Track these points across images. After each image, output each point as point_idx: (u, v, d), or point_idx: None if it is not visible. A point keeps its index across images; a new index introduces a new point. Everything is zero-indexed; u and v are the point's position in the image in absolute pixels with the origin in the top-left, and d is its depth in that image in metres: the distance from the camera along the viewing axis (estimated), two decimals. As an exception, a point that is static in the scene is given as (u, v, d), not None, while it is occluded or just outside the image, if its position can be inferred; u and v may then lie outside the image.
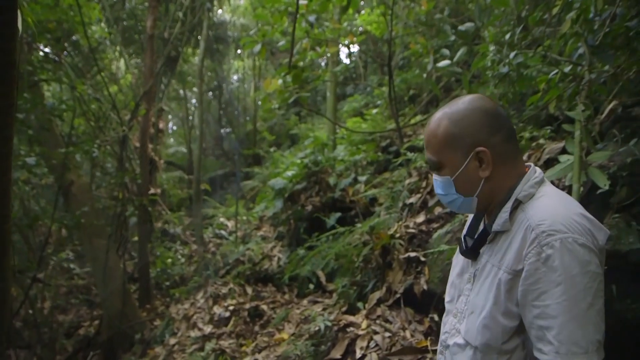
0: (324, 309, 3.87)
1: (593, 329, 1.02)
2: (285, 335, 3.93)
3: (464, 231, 1.35)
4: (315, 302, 4.49)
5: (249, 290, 5.26)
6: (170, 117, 18.72)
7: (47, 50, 6.59)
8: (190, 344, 4.38)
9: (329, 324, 3.09)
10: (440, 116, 1.20)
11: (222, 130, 18.04)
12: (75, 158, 6.52)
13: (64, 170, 5.73)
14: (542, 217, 1.07)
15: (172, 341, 4.61)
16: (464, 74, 2.96)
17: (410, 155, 3.75)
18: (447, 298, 1.36)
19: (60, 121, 6.63)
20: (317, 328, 3.09)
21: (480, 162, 1.15)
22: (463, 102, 1.19)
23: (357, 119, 8.14)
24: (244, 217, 9.05)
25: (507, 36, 2.60)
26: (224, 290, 5.24)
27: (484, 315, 1.14)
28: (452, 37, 4.12)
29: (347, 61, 11.92)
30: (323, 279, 4.77)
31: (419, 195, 3.60)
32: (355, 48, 10.90)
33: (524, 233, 1.09)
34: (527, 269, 1.05)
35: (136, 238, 7.45)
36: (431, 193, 3.32)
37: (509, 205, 1.14)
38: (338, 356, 2.83)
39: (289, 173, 6.48)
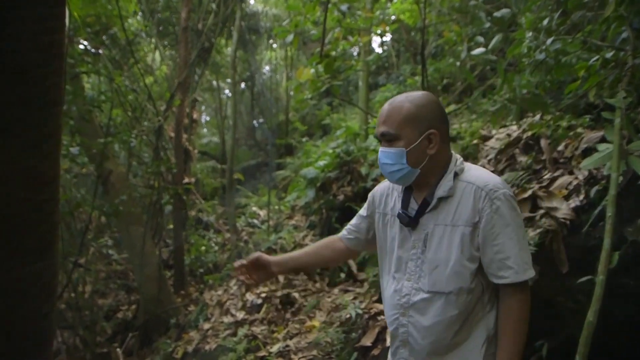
0: (354, 298, 3.90)
1: (528, 252, 1.42)
2: (316, 323, 3.98)
3: (392, 206, 1.60)
4: (347, 291, 4.52)
5: (281, 278, 5.32)
6: (203, 107, 19.02)
7: (86, 43, 6.80)
8: (223, 329, 4.48)
9: (360, 311, 3.11)
10: (403, 99, 1.48)
11: (254, 121, 18.22)
12: (114, 148, 6.73)
13: (103, 160, 5.91)
14: (485, 180, 1.42)
15: (206, 326, 4.72)
16: (499, 61, 2.90)
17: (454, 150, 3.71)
18: (392, 269, 1.56)
19: (99, 112, 6.85)
20: (348, 316, 3.12)
21: (429, 142, 1.44)
22: (422, 93, 1.52)
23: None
24: (276, 207, 9.14)
25: (545, 22, 2.53)
26: (256, 278, 5.31)
27: (453, 264, 1.41)
28: (487, 24, 4.02)
29: (379, 50, 11.81)
30: (354, 268, 4.79)
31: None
32: (387, 37, 10.79)
33: (473, 194, 1.41)
34: (485, 219, 1.39)
35: (171, 226, 7.65)
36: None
37: (450, 176, 1.45)
38: (368, 344, 2.85)
39: (321, 163, 6.50)
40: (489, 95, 5.01)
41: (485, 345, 1.45)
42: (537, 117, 3.22)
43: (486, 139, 3.58)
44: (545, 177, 2.54)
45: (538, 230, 2.20)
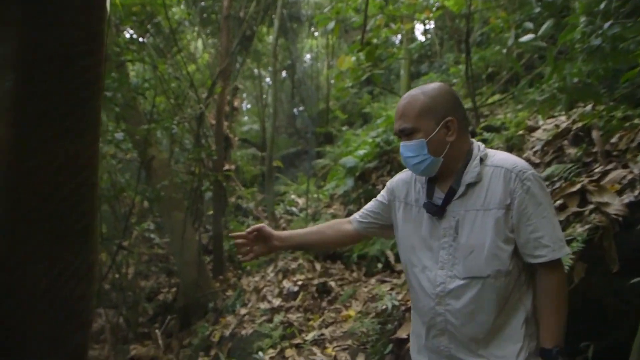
0: (391, 289, 3.85)
1: (560, 230, 1.44)
2: (352, 313, 3.97)
3: (415, 196, 1.61)
4: (383, 282, 4.48)
5: (318, 266, 5.34)
6: (245, 95, 19.20)
7: (132, 32, 6.96)
8: (259, 315, 4.54)
9: (397, 303, 3.07)
10: (416, 93, 1.51)
11: (295, 109, 18.25)
12: (156, 134, 6.89)
13: (146, 146, 6.05)
14: (512, 163, 1.44)
15: (243, 311, 4.80)
16: (549, 49, 2.76)
17: (486, 135, 3.58)
18: (424, 262, 1.55)
19: (143, 99, 7.02)
20: (384, 307, 3.08)
21: (448, 129, 1.47)
22: (435, 85, 1.54)
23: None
24: (315, 195, 9.15)
25: (602, 5, 2.37)
26: (294, 265, 5.35)
27: (489, 248, 1.42)
28: (537, 9, 3.83)
29: (422, 38, 11.54)
30: (392, 258, 4.74)
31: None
32: (431, 24, 10.52)
33: (503, 176, 1.42)
34: (517, 200, 1.40)
35: (211, 212, 7.78)
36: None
37: (476, 162, 1.47)
38: (404, 336, 2.80)
39: (361, 152, 6.44)
40: (536, 84, 4.81)
41: (525, 326, 1.45)
42: (589, 107, 3.06)
43: (532, 129, 3.43)
44: (596, 170, 2.41)
45: (587, 226, 2.09)
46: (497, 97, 6.40)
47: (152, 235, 8.21)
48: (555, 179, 2.68)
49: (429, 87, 1.52)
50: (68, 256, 1.19)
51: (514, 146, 3.37)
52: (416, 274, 1.57)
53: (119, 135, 4.57)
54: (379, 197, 1.77)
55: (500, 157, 1.48)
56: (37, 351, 1.16)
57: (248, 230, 1.73)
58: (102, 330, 6.90)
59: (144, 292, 7.71)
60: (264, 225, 1.75)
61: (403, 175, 1.72)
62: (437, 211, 1.51)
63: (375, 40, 5.30)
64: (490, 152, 1.52)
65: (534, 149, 3.15)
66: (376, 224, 1.76)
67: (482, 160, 1.48)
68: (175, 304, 7.07)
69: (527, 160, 3.15)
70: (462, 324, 1.47)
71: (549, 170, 2.75)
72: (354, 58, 5.39)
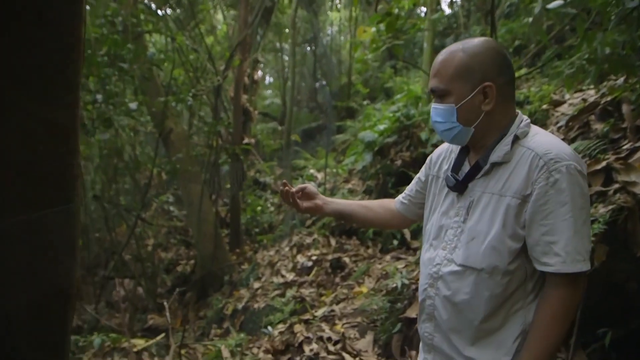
0: (405, 266, 3.77)
1: (587, 241, 1.21)
2: (364, 289, 3.91)
3: (446, 168, 1.45)
4: (398, 259, 4.41)
5: (333, 242, 5.29)
6: (267, 69, 19.03)
7: (150, 3, 6.87)
8: (272, 289, 4.53)
9: (407, 282, 2.99)
10: (455, 49, 1.30)
11: (317, 83, 18.02)
12: (175, 107, 6.86)
13: (164, 119, 6.03)
14: (547, 148, 1.21)
15: (256, 285, 4.80)
16: (580, 15, 2.56)
17: (520, 111, 3.41)
18: (432, 235, 1.43)
19: (161, 71, 6.97)
20: (394, 285, 3.01)
21: (484, 96, 1.26)
22: (479, 40, 1.30)
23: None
24: (334, 170, 9.06)
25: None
26: (309, 240, 5.31)
27: (491, 238, 1.25)
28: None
29: (448, 10, 11.15)
30: (408, 235, 4.65)
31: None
32: (457, -5, 10.11)
33: (530, 162, 1.22)
34: (537, 192, 1.19)
35: (229, 185, 7.79)
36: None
37: (509, 139, 1.27)
38: (413, 315, 2.73)
39: (381, 127, 6.29)
40: (565, 56, 4.56)
41: (519, 340, 1.27)
42: (621, 80, 2.86)
43: (558, 104, 3.25)
44: (625, 147, 2.25)
45: (610, 207, 1.95)
46: (524, 70, 6.13)
47: (172, 208, 8.29)
48: (580, 155, 2.53)
49: (472, 42, 1.30)
50: (48, 226, 1.14)
51: (537, 121, 3.19)
52: (424, 250, 1.47)
53: (133, 105, 4.54)
54: (419, 174, 1.61)
55: (539, 140, 1.25)
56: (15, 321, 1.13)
57: (295, 189, 1.61)
58: (125, 298, 7.06)
59: (163, 263, 7.83)
60: (308, 185, 1.65)
61: (442, 146, 1.56)
62: (455, 186, 1.36)
63: (396, 11, 5.08)
64: (534, 131, 1.30)
65: (558, 125, 2.98)
66: (412, 205, 1.63)
67: (517, 138, 1.27)
68: (193, 275, 7.16)
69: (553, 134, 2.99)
70: (448, 315, 1.34)
71: (572, 147, 2.59)
72: (374, 29, 5.20)
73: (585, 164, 1.27)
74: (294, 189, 1.62)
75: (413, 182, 1.63)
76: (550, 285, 1.24)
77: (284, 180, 1.64)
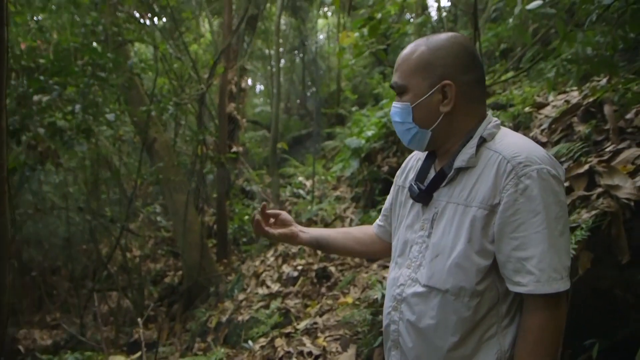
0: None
1: (565, 256, 1.05)
2: (350, 299, 3.81)
3: (412, 177, 1.31)
4: (385, 267, 4.31)
5: (319, 251, 5.19)
6: (259, 75, 18.98)
7: (132, 11, 6.77)
8: (257, 301, 4.42)
9: (391, 292, 2.89)
10: (419, 42, 1.19)
11: (308, 90, 17.98)
12: (160, 116, 6.76)
13: (147, 128, 5.93)
14: (515, 151, 1.08)
15: (241, 297, 4.69)
16: (559, 15, 2.50)
17: (491, 112, 3.34)
18: (397, 252, 1.29)
19: (147, 80, 6.88)
20: (375, 296, 2.91)
21: (444, 96, 1.14)
22: (445, 35, 1.18)
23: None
24: (323, 177, 8.98)
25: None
26: (294, 249, 5.21)
27: (456, 255, 1.11)
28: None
29: (435, 15, 11.14)
30: (395, 243, 4.57)
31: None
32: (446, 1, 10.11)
33: (497, 167, 1.08)
34: (505, 200, 1.05)
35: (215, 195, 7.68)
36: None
37: (474, 142, 1.14)
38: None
39: (369, 132, 6.22)
40: (549, 59, 4.52)
41: None
42: (603, 80, 2.80)
43: (541, 106, 3.18)
44: (607, 149, 2.18)
45: (594, 212, 1.87)
46: (510, 74, 6.09)
47: (159, 218, 8.15)
48: (563, 159, 2.46)
49: (438, 36, 1.18)
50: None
51: (520, 124, 3.13)
52: (391, 268, 1.33)
53: (111, 117, 4.43)
54: (391, 189, 1.47)
55: (508, 142, 1.12)
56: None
57: (269, 212, 1.47)
58: (111, 312, 6.91)
59: (150, 275, 7.70)
60: (284, 212, 1.50)
61: (415, 153, 1.43)
62: (419, 196, 1.22)
63: (379, 15, 5.02)
64: (503, 133, 1.17)
65: (542, 127, 2.91)
66: (387, 227, 1.47)
67: (484, 140, 1.14)
68: (180, 287, 7.02)
69: (534, 139, 2.92)
70: (413, 342, 1.19)
71: (555, 150, 2.52)
72: (357, 34, 5.13)
73: (563, 168, 1.15)
74: (267, 211, 1.46)
75: (387, 199, 1.49)
76: (527, 309, 1.09)
77: (255, 212, 1.49)
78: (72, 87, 4.74)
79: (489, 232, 1.08)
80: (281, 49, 15.30)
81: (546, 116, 3.02)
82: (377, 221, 1.54)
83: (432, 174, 1.26)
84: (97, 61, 4.80)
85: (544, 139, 2.82)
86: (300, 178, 9.80)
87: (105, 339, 6.08)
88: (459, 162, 1.15)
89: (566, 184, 2.16)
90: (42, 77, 4.18)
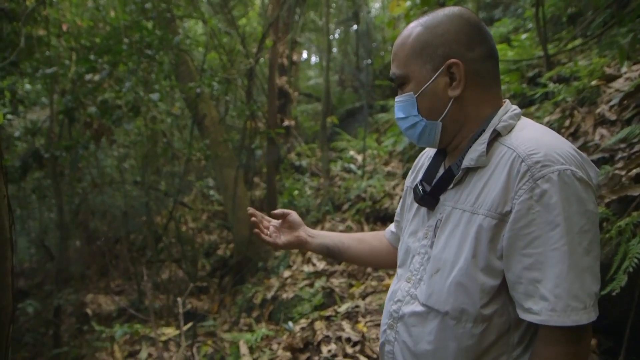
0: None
1: (591, 280, 0.85)
2: (394, 282, 3.70)
3: (419, 177, 1.15)
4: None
5: (366, 228, 5.10)
6: (313, 48, 18.78)
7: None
8: (302, 279, 4.40)
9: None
10: (414, 24, 1.03)
11: (363, 62, 17.60)
12: (211, 92, 6.81)
13: (196, 104, 5.97)
14: (532, 147, 0.89)
15: (286, 274, 4.69)
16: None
17: (552, 87, 3.03)
18: (399, 262, 1.14)
19: (198, 56, 6.91)
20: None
21: (451, 79, 0.98)
22: (443, 11, 1.02)
23: (503, 46, 7.09)
24: (374, 151, 8.79)
25: None
26: (341, 227, 5.14)
27: (458, 271, 0.93)
28: None
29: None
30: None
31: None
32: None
33: (510, 167, 0.90)
34: (517, 209, 0.87)
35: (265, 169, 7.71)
36: (574, 135, 2.65)
37: (485, 136, 0.97)
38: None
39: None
40: (627, 23, 4.06)
41: None
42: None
43: (611, 79, 2.85)
44: (688, 130, 1.90)
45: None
46: (578, 41, 5.57)
47: (211, 192, 8.32)
48: (635, 140, 2.19)
49: (435, 14, 1.02)
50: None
51: (585, 100, 2.83)
52: (394, 280, 1.18)
53: (155, 96, 4.46)
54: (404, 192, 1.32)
55: (525, 135, 0.94)
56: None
57: (275, 212, 1.37)
58: (169, 280, 7.20)
59: (203, 247, 7.91)
60: (293, 212, 1.39)
61: (425, 150, 1.27)
62: (423, 199, 1.07)
63: (432, -19, 4.71)
64: (522, 124, 0.99)
65: (610, 103, 2.61)
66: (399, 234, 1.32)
67: (499, 134, 0.97)
68: (231, 260, 7.18)
69: (601, 116, 2.63)
70: None
71: (626, 131, 2.25)
72: (408, 2, 4.86)
73: (597, 170, 0.94)
74: (273, 212, 1.34)
75: (400, 203, 1.33)
76: (541, 339, 0.90)
77: (250, 209, 1.35)
78: (123, 66, 4.82)
79: (497, 246, 0.91)
80: (335, 20, 14.98)
81: (617, 90, 2.70)
82: (391, 227, 1.40)
83: (440, 173, 1.10)
84: (146, 39, 4.84)
85: (613, 117, 2.53)
86: (352, 152, 9.65)
87: (162, 307, 6.35)
88: (468, 160, 0.98)
89: (637, 171, 1.91)
90: (93, 57, 4.26)
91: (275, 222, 1.39)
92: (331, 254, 1.38)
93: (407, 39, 1.02)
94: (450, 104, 0.99)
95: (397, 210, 1.34)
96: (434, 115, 1.01)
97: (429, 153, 1.22)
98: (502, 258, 0.91)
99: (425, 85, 0.99)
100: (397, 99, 1.06)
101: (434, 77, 0.98)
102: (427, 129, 1.02)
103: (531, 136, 0.93)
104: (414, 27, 1.02)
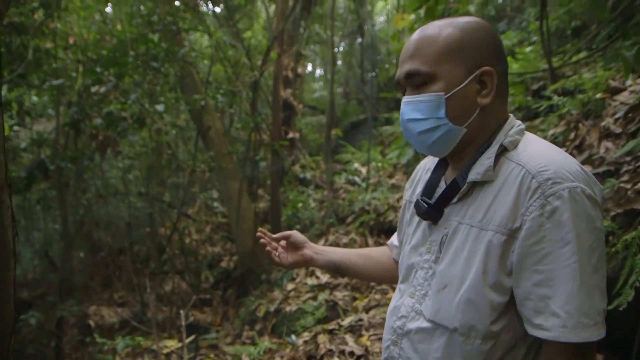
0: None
1: (599, 297, 0.86)
2: (398, 295, 3.67)
3: (417, 190, 1.15)
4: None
5: (370, 241, 5.07)
6: (318, 61, 18.91)
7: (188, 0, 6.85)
8: (305, 292, 4.37)
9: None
10: (443, 24, 0.99)
11: (368, 74, 17.70)
12: (216, 104, 6.85)
13: (201, 116, 6.01)
14: (542, 163, 0.90)
15: (290, 286, 4.66)
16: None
17: (556, 99, 3.03)
18: (401, 277, 1.13)
19: (203, 68, 6.97)
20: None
21: (482, 86, 0.97)
22: (471, 17, 1.00)
23: (508, 59, 7.08)
24: (379, 164, 8.79)
25: None
26: (345, 239, 5.12)
27: (467, 288, 0.93)
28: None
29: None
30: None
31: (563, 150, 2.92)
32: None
33: (520, 183, 0.90)
34: (528, 225, 0.87)
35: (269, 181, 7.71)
36: (579, 148, 2.64)
37: (493, 151, 0.97)
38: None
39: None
40: (631, 35, 4.06)
41: None
42: (693, 62, 2.45)
43: (616, 91, 2.85)
44: (694, 144, 1.88)
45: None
46: (583, 54, 5.59)
47: (215, 204, 8.33)
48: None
49: (463, 19, 1.00)
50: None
51: (590, 112, 2.82)
52: (394, 295, 1.16)
53: (160, 107, 4.49)
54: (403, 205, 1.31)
55: (532, 151, 0.94)
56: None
57: (276, 235, 1.35)
58: (172, 292, 7.18)
59: (206, 259, 7.90)
60: (294, 232, 1.37)
61: (423, 162, 1.26)
62: (427, 213, 1.04)
63: (436, -6, 4.73)
64: (527, 140, 0.99)
65: (615, 116, 2.60)
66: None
67: (505, 149, 0.97)
68: (235, 272, 7.16)
69: (606, 129, 2.62)
70: None
71: (632, 144, 2.24)
72: (412, 16, 4.88)
73: (601, 187, 0.94)
74: (274, 236, 1.32)
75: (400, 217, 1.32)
76: (547, 357, 0.90)
77: (260, 230, 1.35)
78: (128, 78, 4.86)
79: (507, 262, 0.90)
80: (340, 33, 15.09)
81: (622, 103, 2.70)
82: (393, 241, 1.38)
83: (442, 187, 1.08)
84: (152, 51, 4.89)
85: (618, 130, 2.52)
86: (356, 165, 9.64)
87: (164, 319, 6.32)
88: (474, 174, 0.97)
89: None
90: (99, 69, 4.30)
91: (282, 241, 1.37)
92: (339, 271, 1.37)
93: (436, 37, 0.97)
94: (477, 111, 0.98)
95: (399, 225, 1.33)
96: (460, 121, 0.98)
97: (426, 166, 1.21)
98: (511, 274, 0.91)
99: (458, 88, 0.96)
100: (413, 97, 1.00)
101: (467, 80, 0.96)
102: (449, 134, 0.98)
103: (539, 152, 0.94)
104: (445, 27, 0.98)
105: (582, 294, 0.84)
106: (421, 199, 1.08)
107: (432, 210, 1.04)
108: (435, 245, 1.03)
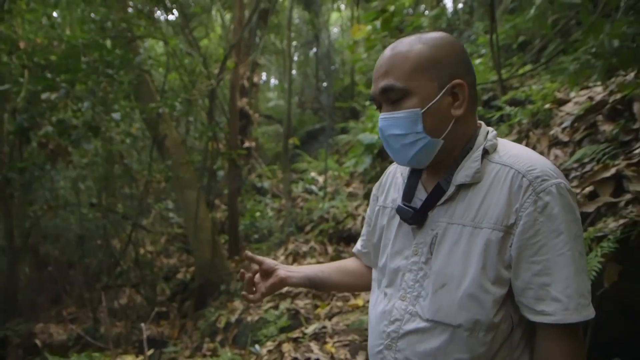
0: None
1: (587, 279, 0.96)
2: (360, 302, 3.71)
3: (397, 197, 1.16)
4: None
5: (330, 249, 5.10)
6: (273, 70, 18.91)
7: (142, 7, 6.71)
8: (266, 301, 4.34)
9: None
10: (412, 41, 1.03)
11: (322, 84, 17.86)
12: (172, 112, 6.71)
13: (157, 124, 5.88)
14: (529, 164, 0.97)
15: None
16: (584, 4, 2.34)
17: (509, 109, 3.19)
18: (385, 282, 1.13)
19: (158, 76, 6.82)
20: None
21: (454, 98, 1.02)
22: (438, 33, 1.05)
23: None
24: (335, 173, 8.86)
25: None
26: (305, 248, 5.12)
27: (468, 285, 0.97)
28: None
29: (451, 7, 10.90)
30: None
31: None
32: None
33: (510, 182, 0.97)
34: (524, 221, 0.94)
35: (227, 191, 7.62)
36: (531, 155, 2.78)
37: (477, 154, 1.02)
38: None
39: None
40: (570, 51, 4.33)
41: None
42: (631, 75, 2.63)
43: (562, 103, 3.02)
44: (637, 151, 2.03)
45: (622, 221, 1.73)
46: (528, 67, 5.88)
47: (171, 215, 8.14)
48: (586, 160, 2.31)
49: (430, 34, 1.04)
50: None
51: (539, 122, 2.98)
52: (374, 299, 1.17)
53: (116, 115, 4.36)
54: (367, 213, 1.33)
55: (514, 153, 1.01)
56: None
57: (258, 258, 1.31)
58: (127, 306, 6.92)
59: (162, 271, 7.69)
60: (265, 258, 1.34)
61: (388, 170, 1.28)
62: (413, 218, 1.07)
63: (392, 8, 4.88)
64: (503, 143, 1.05)
65: (562, 126, 2.76)
66: (372, 252, 1.29)
67: (487, 152, 1.03)
68: (192, 283, 7.00)
69: (554, 138, 2.77)
70: None
71: (581, 152, 2.37)
72: (369, 27, 5.00)
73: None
74: (247, 275, 1.29)
75: (366, 221, 1.33)
76: (549, 339, 0.96)
77: (242, 271, 1.31)
78: (81, 85, 4.69)
79: (505, 257, 0.96)
80: (295, 43, 15.18)
81: (568, 113, 2.86)
82: (360, 247, 1.38)
83: (420, 191, 1.11)
84: (106, 58, 4.75)
85: (566, 138, 2.67)
86: (313, 174, 9.69)
87: (119, 334, 6.09)
88: (462, 177, 1.02)
89: (590, 189, 2.02)
90: (50, 75, 4.13)
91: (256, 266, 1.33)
92: (314, 285, 1.36)
93: (407, 53, 1.01)
94: (452, 123, 1.02)
95: (364, 231, 1.34)
96: (437, 133, 1.02)
97: (394, 172, 1.24)
98: (509, 267, 0.97)
99: (432, 102, 1.00)
100: (390, 114, 1.04)
101: (440, 94, 1.00)
102: (428, 146, 1.02)
103: (522, 154, 1.00)
104: (414, 43, 1.02)
105: (577, 277, 0.92)
106: (403, 204, 1.10)
107: (418, 214, 1.06)
108: (424, 247, 1.05)
